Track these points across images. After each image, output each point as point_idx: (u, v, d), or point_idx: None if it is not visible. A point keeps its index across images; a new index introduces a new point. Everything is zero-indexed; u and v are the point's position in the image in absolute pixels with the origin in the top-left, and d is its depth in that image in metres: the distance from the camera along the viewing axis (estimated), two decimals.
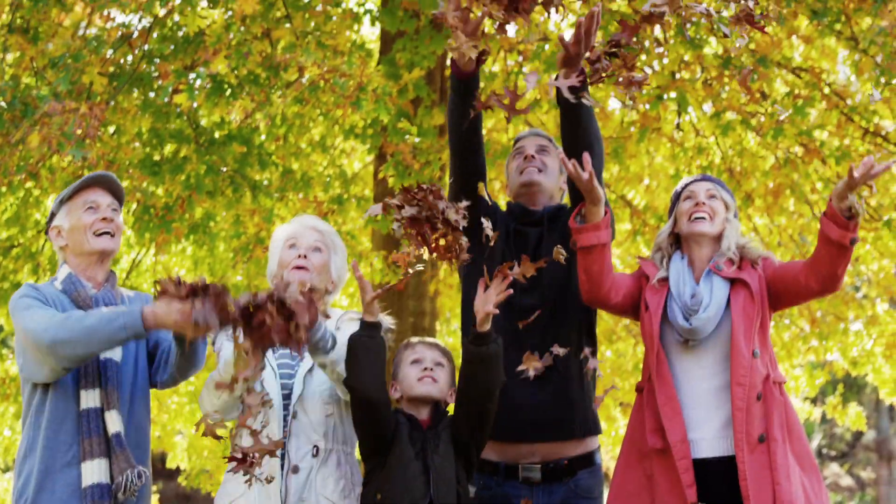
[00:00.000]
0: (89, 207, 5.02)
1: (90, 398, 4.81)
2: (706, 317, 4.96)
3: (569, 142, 5.14)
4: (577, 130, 5.11)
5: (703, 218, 5.15)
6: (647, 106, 10.11)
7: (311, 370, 5.02)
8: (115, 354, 4.88)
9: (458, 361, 5.19)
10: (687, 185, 5.28)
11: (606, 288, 5.03)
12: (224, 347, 4.97)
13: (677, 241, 5.27)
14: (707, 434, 4.93)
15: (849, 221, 4.81)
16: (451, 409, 5.15)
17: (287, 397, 4.97)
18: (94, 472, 4.74)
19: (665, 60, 9.84)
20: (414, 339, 5.23)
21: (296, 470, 4.87)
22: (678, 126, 10.86)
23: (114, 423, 4.79)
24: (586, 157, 4.79)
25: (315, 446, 4.89)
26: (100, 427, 4.78)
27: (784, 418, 4.93)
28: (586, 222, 4.93)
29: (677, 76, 10.07)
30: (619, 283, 5.10)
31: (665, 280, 5.14)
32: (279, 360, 5.06)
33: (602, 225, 4.92)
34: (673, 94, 10.01)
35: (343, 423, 5.03)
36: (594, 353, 5.16)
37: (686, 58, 9.90)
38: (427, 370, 5.05)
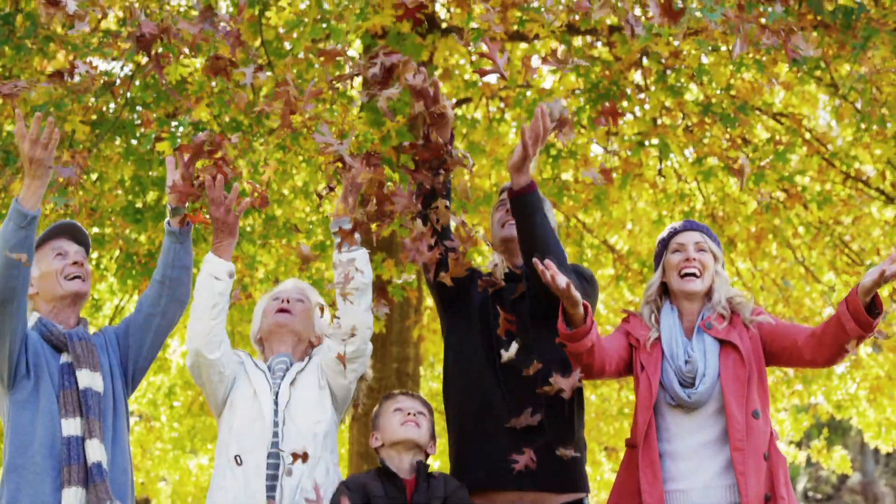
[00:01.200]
0: (58, 254, 5.12)
1: (71, 426, 4.88)
2: (704, 389, 4.94)
3: (525, 242, 5.11)
4: (533, 235, 5.09)
5: (694, 274, 5.10)
6: (629, 152, 10.14)
7: (293, 382, 5.12)
8: (96, 384, 4.97)
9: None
10: (674, 235, 5.22)
11: (598, 367, 5.00)
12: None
13: (665, 290, 5.24)
14: (698, 483, 4.94)
15: (870, 321, 4.73)
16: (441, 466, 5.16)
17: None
18: (71, 500, 4.79)
19: (646, 106, 9.88)
20: (395, 392, 5.31)
21: (290, 473, 4.96)
22: (660, 172, 10.90)
23: (94, 452, 4.85)
24: (549, 263, 4.77)
25: (304, 452, 4.93)
26: (80, 455, 4.85)
27: (786, 476, 4.93)
28: (572, 326, 4.87)
29: (658, 122, 10.10)
30: (609, 353, 5.04)
31: (657, 340, 5.12)
32: (274, 374, 5.17)
33: (589, 327, 4.86)
34: (654, 141, 10.04)
35: (332, 434, 5.12)
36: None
37: (667, 104, 9.94)
38: (410, 415, 5.10)
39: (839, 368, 13.21)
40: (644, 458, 4.96)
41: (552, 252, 5.00)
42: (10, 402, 4.95)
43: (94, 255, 10.28)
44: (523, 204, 5.06)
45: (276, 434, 4.99)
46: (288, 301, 5.32)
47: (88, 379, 4.95)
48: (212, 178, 4.91)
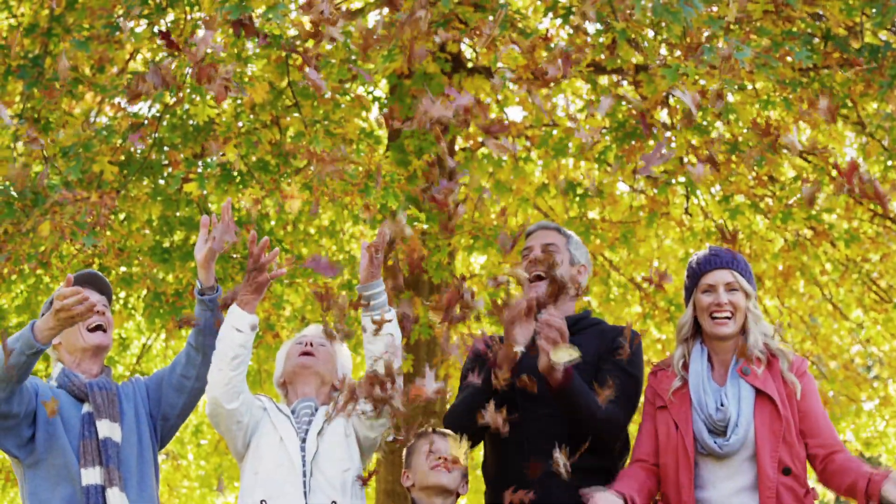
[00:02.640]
0: None
1: (91, 475, 4.90)
2: (735, 440, 4.88)
3: (572, 420, 5.09)
4: (578, 416, 5.07)
5: (726, 318, 5.02)
6: (656, 190, 10.13)
7: (321, 431, 5.09)
8: (115, 434, 4.99)
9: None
10: (704, 273, 5.10)
11: (655, 493, 5.03)
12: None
13: (698, 325, 5.15)
14: None
15: None
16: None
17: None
18: None
19: (673, 145, 9.87)
20: (429, 429, 5.26)
21: None
22: (687, 210, 10.88)
23: (115, 500, 4.87)
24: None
25: (333, 502, 4.94)
26: (100, 503, 4.83)
27: None
28: None
29: (685, 160, 10.09)
30: (653, 475, 5.06)
31: (682, 386, 5.07)
32: (299, 419, 5.15)
33: None
34: (681, 179, 10.03)
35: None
36: None
37: (693, 142, 9.93)
38: (441, 460, 5.07)
39: (868, 405, 13.15)
40: None
41: (598, 422, 5.02)
42: (23, 467, 4.98)
43: (122, 294, 10.32)
44: (564, 397, 5.03)
45: (304, 484, 4.98)
46: (311, 344, 5.31)
47: (108, 429, 4.97)
48: (254, 236, 4.99)
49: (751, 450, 4.89)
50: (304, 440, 5.06)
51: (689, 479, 4.92)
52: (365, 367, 5.12)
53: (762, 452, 4.86)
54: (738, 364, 5.01)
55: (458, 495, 5.13)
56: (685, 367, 5.08)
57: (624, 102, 9.46)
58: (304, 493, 4.96)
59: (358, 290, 5.06)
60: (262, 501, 4.96)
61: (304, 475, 4.99)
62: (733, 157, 9.67)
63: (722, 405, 4.92)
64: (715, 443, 4.90)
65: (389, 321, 4.98)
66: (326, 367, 5.29)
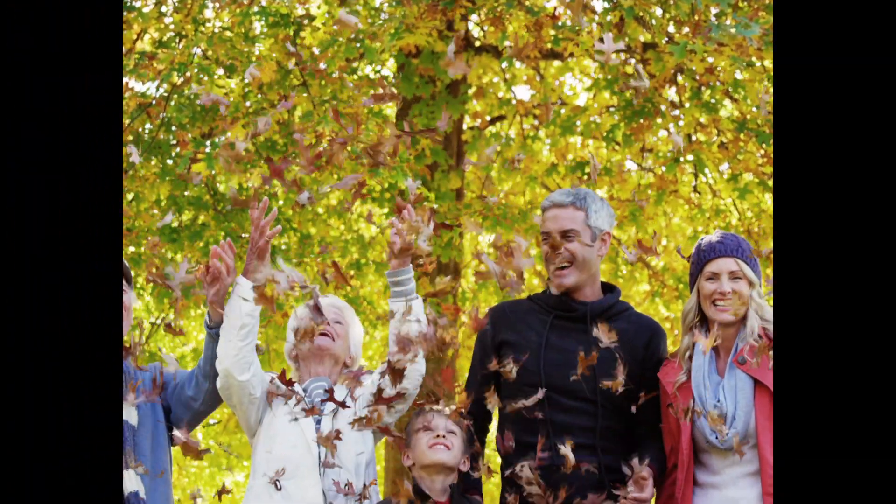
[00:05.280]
0: None
1: None
2: (734, 432, 4.87)
3: None
4: None
5: (729, 304, 4.99)
6: (664, 168, 10.12)
7: (335, 412, 5.05)
8: (131, 418, 4.98)
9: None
10: (709, 260, 5.05)
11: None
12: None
13: (702, 312, 5.10)
14: None
15: None
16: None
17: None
18: None
19: (681, 123, 9.86)
20: (426, 408, 5.20)
21: None
22: (695, 188, 10.87)
23: (130, 482, 4.88)
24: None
25: (347, 483, 4.92)
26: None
27: None
28: None
29: (693, 139, 10.08)
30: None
31: (688, 380, 5.04)
32: (312, 399, 5.12)
33: None
34: (689, 157, 10.02)
35: (372, 462, 5.10)
36: None
37: (702, 120, 9.92)
38: (439, 437, 5.02)
39: None
40: None
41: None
42: None
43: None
44: None
45: (319, 466, 4.96)
46: (328, 324, 5.27)
47: (125, 412, 4.97)
48: (258, 199, 4.96)
49: (754, 439, 4.90)
50: (318, 421, 5.05)
51: (684, 476, 4.95)
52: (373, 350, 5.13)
53: (763, 441, 4.86)
54: (735, 354, 5.01)
55: (460, 473, 5.08)
56: (691, 359, 5.06)
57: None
58: (319, 474, 4.96)
59: (387, 275, 5.03)
60: (276, 482, 4.95)
61: (319, 457, 4.97)
62: (741, 136, 9.66)
63: (719, 401, 4.92)
64: (716, 438, 4.91)
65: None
66: (342, 347, 5.28)
